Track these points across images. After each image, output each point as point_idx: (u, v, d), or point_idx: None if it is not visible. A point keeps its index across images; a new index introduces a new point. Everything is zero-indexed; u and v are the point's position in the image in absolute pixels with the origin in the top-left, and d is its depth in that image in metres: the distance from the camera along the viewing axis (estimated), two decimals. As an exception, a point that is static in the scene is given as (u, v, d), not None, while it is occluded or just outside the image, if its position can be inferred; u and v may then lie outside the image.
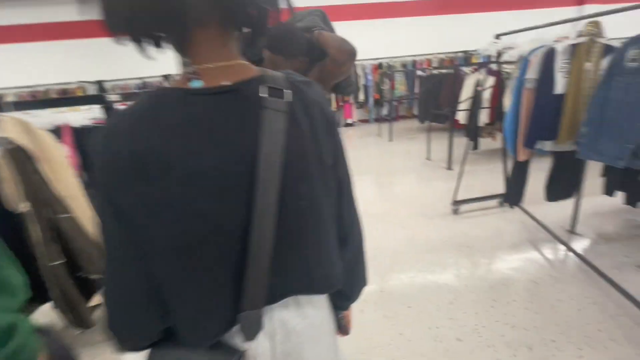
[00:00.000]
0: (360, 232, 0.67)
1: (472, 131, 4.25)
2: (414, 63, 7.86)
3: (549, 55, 1.73)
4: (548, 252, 2.19)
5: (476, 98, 4.01)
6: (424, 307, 1.80)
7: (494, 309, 1.74)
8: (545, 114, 1.80)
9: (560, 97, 1.76)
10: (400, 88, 7.78)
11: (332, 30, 1.15)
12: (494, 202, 2.93)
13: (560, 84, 1.75)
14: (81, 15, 6.73)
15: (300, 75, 0.55)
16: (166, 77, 6.83)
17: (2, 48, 6.71)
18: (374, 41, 7.90)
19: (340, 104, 7.99)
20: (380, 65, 7.72)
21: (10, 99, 6.40)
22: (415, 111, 7.64)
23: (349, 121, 8.20)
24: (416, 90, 7.60)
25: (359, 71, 7.79)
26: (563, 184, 2.09)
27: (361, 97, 7.97)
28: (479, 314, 1.72)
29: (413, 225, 2.72)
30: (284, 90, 0.48)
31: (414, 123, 7.48)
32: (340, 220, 0.59)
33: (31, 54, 6.82)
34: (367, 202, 3.25)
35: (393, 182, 3.87)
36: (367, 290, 0.70)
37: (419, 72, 7.33)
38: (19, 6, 6.54)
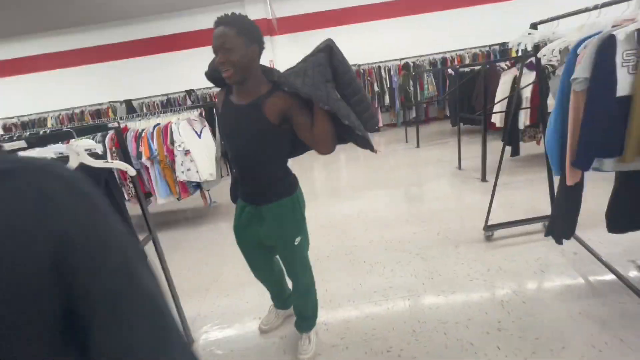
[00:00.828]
0: None
1: (511, 134, 3.69)
2: (444, 61, 7.25)
3: (607, 46, 1.28)
4: (612, 298, 1.68)
5: (514, 97, 3.46)
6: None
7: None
8: (605, 123, 1.34)
9: (625, 100, 1.30)
10: (430, 88, 7.23)
11: (341, 60, 1.17)
12: (538, 226, 2.42)
13: (624, 83, 1.28)
14: (108, 39, 7.07)
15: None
16: (188, 92, 6.92)
17: (42, 75, 7.23)
18: (399, 40, 7.44)
19: (365, 108, 7.56)
20: (406, 66, 7.22)
21: (50, 122, 6.85)
22: (448, 112, 7.05)
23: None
24: (448, 90, 7.01)
25: (383, 73, 7.36)
26: (632, 211, 1.58)
27: (387, 100, 7.52)
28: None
29: (435, 255, 2.29)
30: None
31: (446, 126, 6.88)
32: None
33: (67, 79, 7.26)
34: (382, 224, 2.87)
35: (415, 198, 3.43)
36: None
37: (450, 71, 6.74)
38: (53, 35, 6.99)
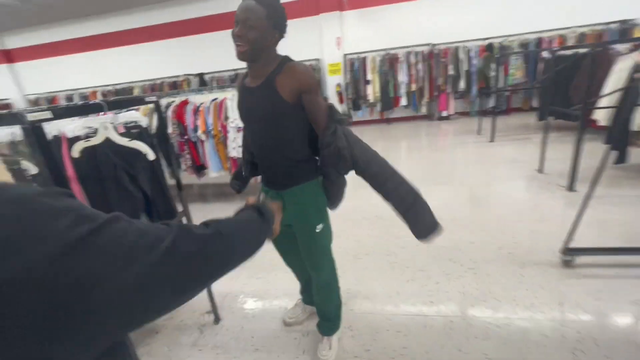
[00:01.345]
0: None
1: (619, 137, 2.97)
2: (539, 41, 6.16)
3: None
4: None
5: (630, 90, 2.73)
6: None
7: None
8: None
9: None
10: (517, 74, 6.27)
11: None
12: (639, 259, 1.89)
13: None
14: (187, 15, 7.48)
15: None
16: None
17: (129, 49, 8.01)
18: (483, 17, 6.51)
19: (435, 93, 6.93)
20: (489, 47, 6.32)
21: (136, 91, 7.63)
22: (536, 103, 6.04)
23: (444, 114, 7.10)
24: (539, 76, 6.00)
25: (461, 54, 6.57)
26: None
27: (462, 85, 6.74)
28: None
29: (492, 273, 1.95)
30: None
31: (531, 119, 5.95)
32: None
33: (151, 52, 7.95)
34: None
35: (479, 201, 2.99)
36: None
37: (545, 54, 5.71)
38: (141, 11, 7.63)
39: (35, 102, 8.52)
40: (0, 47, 8.51)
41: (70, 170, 1.40)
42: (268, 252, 2.41)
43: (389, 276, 2.04)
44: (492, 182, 3.40)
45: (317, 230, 1.29)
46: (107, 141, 1.19)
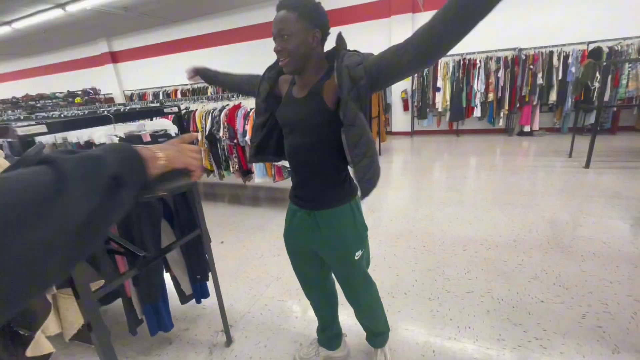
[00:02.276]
0: None
1: None
2: (668, 46, 4.93)
3: None
4: None
5: None
6: None
7: None
8: None
9: None
10: (630, 85, 5.13)
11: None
12: None
13: None
14: (251, 21, 7.81)
15: None
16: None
17: (203, 52, 8.70)
18: (586, 16, 5.47)
19: (517, 104, 6.07)
20: (595, 52, 5.27)
21: (210, 90, 8.21)
22: (654, 123, 4.85)
23: (526, 129, 6.17)
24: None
25: (555, 60, 5.63)
26: None
27: (552, 97, 5.78)
28: None
29: (572, 354, 1.49)
30: None
31: (645, 142, 4.80)
32: None
33: (219, 55, 8.50)
34: (496, 271, 2.10)
35: (563, 247, 2.40)
36: None
37: (675, 61, 4.58)
38: (221, 16, 8.18)
39: (130, 97, 9.78)
40: (109, 49, 9.97)
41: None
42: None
43: (426, 327, 1.71)
44: (581, 221, 2.73)
45: (356, 258, 1.18)
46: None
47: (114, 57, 10.10)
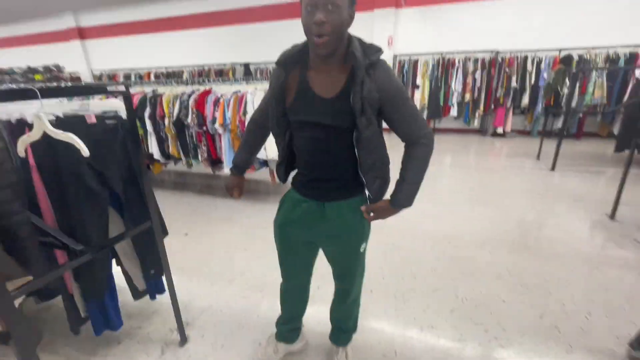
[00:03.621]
0: None
1: None
2: (633, 57, 5.18)
3: None
4: None
5: None
6: None
7: None
8: None
9: None
10: (597, 93, 5.36)
11: None
12: None
13: None
14: (238, 4, 7.50)
15: None
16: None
17: (180, 34, 8.27)
18: (560, 24, 5.64)
19: (492, 106, 6.21)
20: (566, 59, 5.46)
21: (185, 75, 7.86)
22: (616, 130, 5.09)
23: (499, 130, 6.34)
24: (625, 99, 5.09)
25: (529, 65, 5.78)
26: None
27: (525, 100, 5.95)
28: None
29: (524, 351, 1.51)
30: None
31: (607, 148, 5.06)
32: None
33: (202, 38, 8.13)
34: (459, 269, 2.11)
35: (527, 247, 2.45)
36: None
37: (639, 73, 4.80)
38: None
39: (99, 77, 9.19)
40: (76, 24, 9.28)
41: (31, 159, 1.25)
42: (265, 267, 2.19)
43: (390, 325, 1.68)
44: (546, 221, 2.81)
45: (361, 250, 1.18)
46: (46, 135, 1.00)
47: (82, 33, 9.41)
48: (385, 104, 0.94)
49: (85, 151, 0.99)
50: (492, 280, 2.01)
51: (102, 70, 9.35)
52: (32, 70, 8.58)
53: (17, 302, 1.21)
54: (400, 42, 6.62)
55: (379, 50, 0.94)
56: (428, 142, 1.00)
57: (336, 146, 1.01)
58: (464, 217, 2.90)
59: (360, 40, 0.95)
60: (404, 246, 2.42)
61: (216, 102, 2.88)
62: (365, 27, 6.68)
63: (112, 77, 8.92)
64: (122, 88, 1.11)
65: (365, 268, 1.28)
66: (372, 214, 1.11)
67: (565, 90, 5.29)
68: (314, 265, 1.31)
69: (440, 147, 5.77)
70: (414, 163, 1.02)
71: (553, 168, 4.14)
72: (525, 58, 5.74)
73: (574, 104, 5.39)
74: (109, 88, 1.15)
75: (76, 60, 9.55)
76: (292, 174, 1.19)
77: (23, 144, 1.05)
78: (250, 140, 1.29)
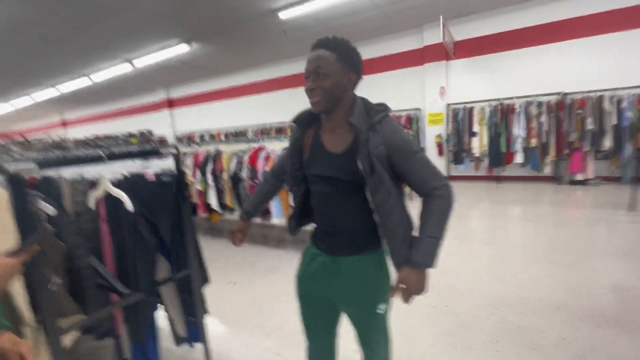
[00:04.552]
0: None
1: None
2: None
3: None
4: None
5: None
6: None
7: None
8: None
9: None
10: None
11: None
12: None
13: None
14: (291, 71, 8.43)
15: None
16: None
17: (247, 98, 9.47)
18: (635, 59, 5.08)
19: (565, 151, 5.62)
20: (653, 96, 4.81)
21: (249, 135, 8.75)
22: None
23: (579, 177, 5.60)
24: None
25: (607, 105, 5.22)
26: None
27: (607, 143, 5.28)
28: None
29: None
30: None
31: None
32: None
33: (261, 101, 9.16)
34: (530, 354, 1.76)
35: (620, 322, 1.98)
36: None
37: None
38: (262, 68, 8.91)
39: (179, 139, 10.73)
40: (166, 96, 11.27)
41: (102, 210, 1.47)
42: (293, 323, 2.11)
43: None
44: (646, 288, 2.27)
45: (378, 311, 1.08)
46: (107, 191, 1.19)
47: (171, 103, 11.34)
48: (393, 155, 0.95)
49: (129, 206, 1.14)
50: (572, 361, 1.63)
51: (182, 133, 10.94)
52: (131, 135, 10.40)
53: (70, 337, 1.34)
54: (453, 91, 6.58)
55: (384, 110, 0.99)
56: (444, 194, 0.95)
57: (348, 200, 1.01)
58: (534, 279, 2.49)
59: (365, 101, 1.02)
60: (458, 310, 2.14)
61: (267, 158, 3.12)
62: (416, 79, 6.84)
63: (191, 138, 10.33)
64: (173, 150, 1.29)
65: (388, 333, 1.16)
66: (401, 287, 0.98)
67: (658, 131, 4.57)
68: (336, 325, 1.23)
69: (506, 196, 5.26)
70: (429, 215, 0.96)
71: (654, 221, 3.43)
72: (601, 98, 5.20)
73: (673, 145, 4.59)
74: (162, 150, 1.34)
75: (165, 125, 11.40)
76: (307, 227, 1.19)
77: (93, 198, 1.25)
78: (265, 190, 1.37)
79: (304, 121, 1.09)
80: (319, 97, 0.97)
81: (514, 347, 1.75)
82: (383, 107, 1.01)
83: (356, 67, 1.01)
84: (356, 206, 1.02)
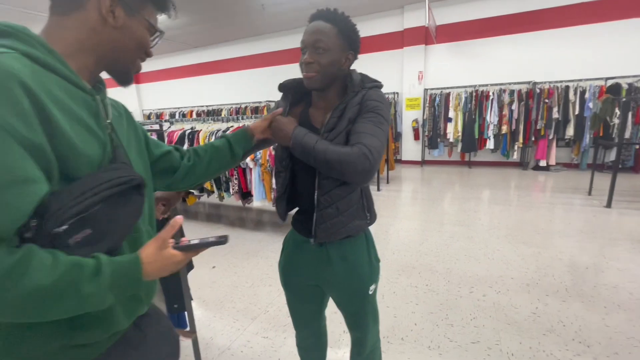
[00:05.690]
0: None
1: None
2: (692, 84, 4.75)
3: None
4: None
5: None
6: None
7: None
8: None
9: None
10: (653, 123, 4.92)
11: None
12: None
13: None
14: (270, 48, 8.09)
15: None
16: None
17: (220, 76, 8.99)
18: (603, 52, 5.39)
19: (532, 138, 5.92)
20: (613, 88, 5.14)
21: (224, 113, 8.39)
22: (680, 162, 4.58)
23: (542, 163, 5.96)
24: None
25: (572, 95, 5.52)
26: None
27: (570, 131, 5.61)
28: None
29: None
30: None
31: (672, 183, 4.51)
32: None
33: (236, 79, 8.80)
34: (504, 317, 1.88)
35: (582, 296, 2.16)
36: None
37: (701, 100, 4.38)
38: (235, 43, 8.50)
39: (148, 116, 10.11)
40: (133, 71, 10.52)
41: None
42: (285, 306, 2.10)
43: None
44: (604, 266, 2.48)
45: (370, 292, 1.08)
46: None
47: (137, 78, 10.56)
48: (359, 114, 0.92)
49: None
50: (542, 333, 1.76)
51: (151, 110, 10.30)
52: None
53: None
54: (431, 76, 6.65)
55: (377, 82, 1.00)
56: (358, 151, 0.84)
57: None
58: (506, 258, 2.65)
59: (362, 75, 1.01)
60: (438, 290, 2.23)
61: (248, 138, 3.00)
62: (395, 63, 6.83)
63: (159, 116, 9.75)
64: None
65: (378, 312, 1.16)
66: (274, 125, 0.95)
67: (616, 121, 4.91)
68: (324, 310, 1.22)
69: (477, 181, 5.50)
70: (334, 147, 0.86)
71: (609, 205, 3.74)
72: (567, 88, 5.49)
73: (627, 134, 4.97)
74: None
75: (130, 101, 10.65)
76: (291, 213, 1.14)
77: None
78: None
79: (291, 94, 1.03)
80: (315, 72, 0.91)
81: (491, 323, 1.86)
82: (377, 81, 1.01)
83: (355, 46, 0.97)
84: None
